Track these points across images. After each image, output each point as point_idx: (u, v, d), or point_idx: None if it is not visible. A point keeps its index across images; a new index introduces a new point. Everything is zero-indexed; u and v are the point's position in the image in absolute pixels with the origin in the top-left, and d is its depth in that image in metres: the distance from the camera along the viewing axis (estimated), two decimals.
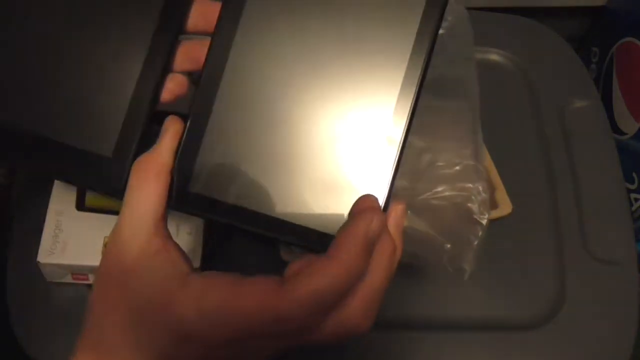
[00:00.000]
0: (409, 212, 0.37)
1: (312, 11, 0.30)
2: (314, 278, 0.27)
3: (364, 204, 0.30)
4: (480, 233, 0.43)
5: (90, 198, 0.53)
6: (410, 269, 0.56)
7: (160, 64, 0.31)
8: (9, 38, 0.31)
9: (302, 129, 0.30)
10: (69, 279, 0.53)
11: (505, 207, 0.59)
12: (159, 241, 0.30)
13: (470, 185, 0.43)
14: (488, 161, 0.61)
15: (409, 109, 0.30)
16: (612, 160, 0.67)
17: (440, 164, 0.43)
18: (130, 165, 0.31)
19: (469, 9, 0.77)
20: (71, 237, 0.51)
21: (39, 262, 0.51)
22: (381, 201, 0.31)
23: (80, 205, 0.52)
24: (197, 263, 0.51)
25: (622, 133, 0.82)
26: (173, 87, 0.33)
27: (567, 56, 0.75)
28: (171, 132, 0.31)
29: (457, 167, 0.43)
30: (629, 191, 0.80)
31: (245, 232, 0.31)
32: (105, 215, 0.52)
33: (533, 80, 0.71)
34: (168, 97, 0.33)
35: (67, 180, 0.33)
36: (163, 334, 0.29)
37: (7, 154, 0.31)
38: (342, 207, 0.30)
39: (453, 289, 0.58)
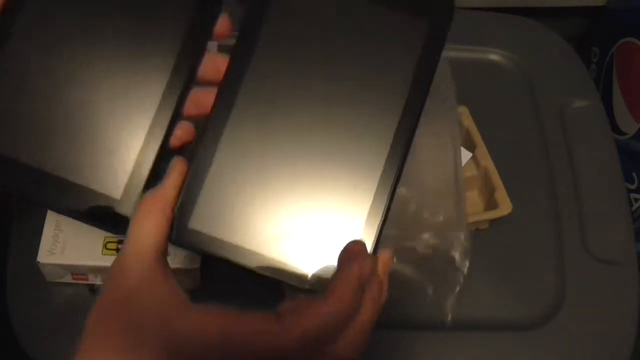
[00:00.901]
0: (395, 258, 0.38)
1: (312, 75, 0.33)
2: (313, 318, 0.30)
3: (355, 248, 0.33)
4: (461, 280, 0.47)
5: None
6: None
7: (171, 113, 0.33)
8: (28, 78, 0.33)
9: (299, 178, 0.33)
10: (69, 279, 0.54)
11: (505, 207, 0.59)
12: (159, 271, 0.32)
13: (453, 233, 0.46)
14: (488, 161, 0.61)
15: (398, 162, 0.33)
16: (612, 160, 0.67)
17: (425, 214, 0.46)
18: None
19: (469, 9, 0.78)
20: (71, 237, 0.51)
21: (39, 262, 0.51)
22: (370, 246, 0.33)
23: None
24: (197, 263, 0.51)
25: (622, 133, 0.82)
26: (181, 134, 0.34)
27: (567, 56, 0.75)
28: (177, 173, 0.33)
29: (441, 217, 0.47)
30: (629, 191, 0.80)
31: (239, 270, 0.33)
32: None
33: (533, 80, 0.71)
34: (176, 144, 0.34)
35: (76, 217, 0.35)
36: (162, 358, 0.30)
37: (21, 188, 0.33)
38: (333, 251, 0.32)
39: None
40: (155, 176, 0.33)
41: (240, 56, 0.33)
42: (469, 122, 0.63)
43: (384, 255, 0.33)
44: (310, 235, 0.32)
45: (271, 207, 0.32)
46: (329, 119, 0.33)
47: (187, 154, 0.34)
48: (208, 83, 0.35)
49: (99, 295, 0.32)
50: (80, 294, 0.54)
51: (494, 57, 0.73)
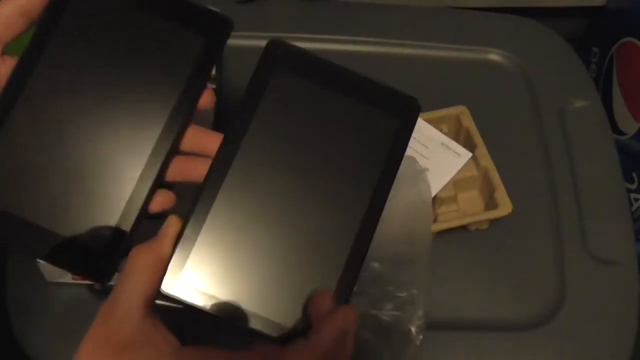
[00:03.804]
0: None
1: (295, 158, 0.38)
2: (304, 355, 0.33)
3: (325, 300, 0.35)
4: (413, 350, 0.52)
5: None
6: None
7: (153, 178, 0.36)
8: (24, 147, 0.36)
9: (280, 243, 0.37)
10: (68, 279, 0.54)
11: (505, 207, 0.59)
12: (150, 320, 0.33)
13: (411, 309, 0.53)
14: (488, 161, 0.61)
15: (367, 237, 0.37)
16: (612, 160, 0.67)
17: (390, 288, 0.53)
18: (118, 262, 0.36)
19: (469, 9, 0.78)
20: None
21: (39, 262, 0.51)
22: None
23: None
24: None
25: (622, 133, 0.82)
26: (161, 200, 0.37)
27: (567, 56, 0.75)
28: (172, 230, 0.36)
29: (403, 294, 0.53)
30: (629, 191, 0.80)
31: (220, 322, 0.36)
32: None
33: (533, 80, 0.71)
34: (156, 209, 0.37)
35: (59, 266, 0.37)
36: None
37: (7, 237, 0.36)
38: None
39: (453, 289, 0.59)
40: (136, 234, 0.36)
41: (234, 135, 0.38)
42: (469, 122, 0.63)
43: (354, 313, 0.36)
44: (288, 294, 0.36)
45: (255, 268, 0.37)
46: (309, 194, 0.38)
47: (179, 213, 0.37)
48: (192, 153, 0.37)
49: (85, 340, 0.33)
50: (80, 294, 0.54)
51: (494, 57, 0.73)
